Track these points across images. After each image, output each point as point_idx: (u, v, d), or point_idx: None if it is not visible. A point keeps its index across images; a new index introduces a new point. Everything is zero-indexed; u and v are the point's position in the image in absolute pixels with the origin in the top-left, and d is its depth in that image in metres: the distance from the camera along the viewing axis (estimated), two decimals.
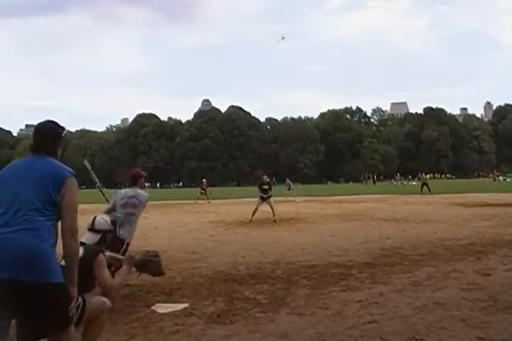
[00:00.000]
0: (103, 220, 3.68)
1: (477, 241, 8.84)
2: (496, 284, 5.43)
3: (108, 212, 5.33)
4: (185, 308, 4.92)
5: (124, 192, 5.50)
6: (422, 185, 30.32)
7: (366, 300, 4.98)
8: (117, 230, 4.99)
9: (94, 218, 3.67)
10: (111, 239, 3.76)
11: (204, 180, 30.95)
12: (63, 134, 2.83)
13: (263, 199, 14.95)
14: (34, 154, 2.73)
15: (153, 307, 4.98)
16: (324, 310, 4.71)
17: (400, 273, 6.23)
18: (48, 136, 2.78)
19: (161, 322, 4.47)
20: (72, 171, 2.70)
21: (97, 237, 3.57)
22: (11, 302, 2.48)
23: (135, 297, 5.45)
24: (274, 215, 14.26)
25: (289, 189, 28.85)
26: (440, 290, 5.30)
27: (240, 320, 4.48)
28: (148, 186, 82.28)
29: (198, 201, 26.75)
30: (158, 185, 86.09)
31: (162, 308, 4.94)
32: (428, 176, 33.17)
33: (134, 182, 5.62)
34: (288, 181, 30.50)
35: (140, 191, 5.48)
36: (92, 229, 3.59)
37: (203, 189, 29.32)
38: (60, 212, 2.59)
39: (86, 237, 3.57)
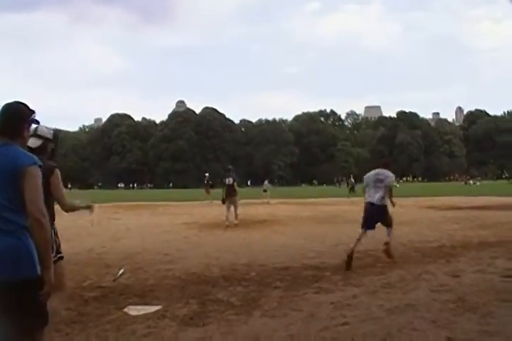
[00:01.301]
0: (45, 128, 3.89)
1: (447, 243, 9.01)
2: (465, 285, 5.55)
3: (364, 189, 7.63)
4: (158, 310, 4.88)
5: (374, 172, 7.55)
6: (351, 188, 30.93)
7: (339, 302, 5.03)
8: (372, 197, 7.39)
9: (37, 126, 3.83)
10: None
11: (207, 175, 28.39)
12: (32, 116, 2.75)
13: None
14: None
15: (125, 310, 4.92)
16: (297, 312, 4.73)
17: (373, 275, 6.31)
18: (15, 117, 2.68)
19: (134, 325, 4.42)
20: (34, 159, 2.60)
21: (39, 142, 3.77)
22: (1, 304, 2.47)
23: (107, 299, 5.38)
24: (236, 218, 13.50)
25: (264, 190, 28.69)
26: (411, 291, 5.38)
27: (213, 322, 4.47)
28: (122, 187, 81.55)
29: (213, 201, 23.75)
30: (135, 185, 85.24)
31: (134, 310, 4.88)
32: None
33: (385, 166, 7.67)
34: (266, 182, 30.13)
35: (384, 170, 7.51)
36: (34, 134, 3.75)
37: (208, 184, 27.20)
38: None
39: (30, 141, 3.66)
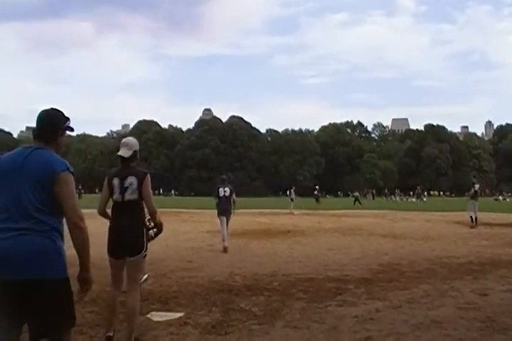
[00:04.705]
0: (134, 140, 4.47)
1: (475, 260, 8.81)
2: (494, 305, 5.41)
3: None
4: (181, 317, 4.90)
5: None
6: (355, 200, 38.45)
7: (362, 315, 4.96)
8: None
9: (127, 138, 4.50)
10: None
11: (317, 187, 32.55)
12: (67, 124, 2.82)
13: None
14: (35, 142, 2.73)
15: (148, 315, 4.95)
16: (320, 324, 4.69)
17: (397, 290, 6.21)
18: (51, 123, 2.77)
19: (156, 331, 4.45)
20: (67, 165, 2.66)
21: (130, 152, 4.28)
22: (25, 303, 2.50)
23: None
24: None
25: (291, 199, 28.39)
26: (437, 308, 5.28)
27: (235, 331, 4.46)
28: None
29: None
30: (160, 192, 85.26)
31: (157, 316, 4.92)
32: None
33: None
34: (293, 191, 29.64)
35: None
36: (126, 146, 4.32)
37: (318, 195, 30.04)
38: (60, 205, 2.60)
39: (122, 152, 4.29)
